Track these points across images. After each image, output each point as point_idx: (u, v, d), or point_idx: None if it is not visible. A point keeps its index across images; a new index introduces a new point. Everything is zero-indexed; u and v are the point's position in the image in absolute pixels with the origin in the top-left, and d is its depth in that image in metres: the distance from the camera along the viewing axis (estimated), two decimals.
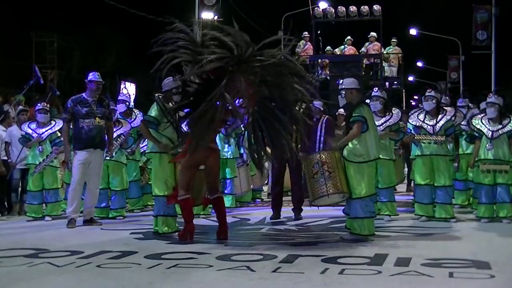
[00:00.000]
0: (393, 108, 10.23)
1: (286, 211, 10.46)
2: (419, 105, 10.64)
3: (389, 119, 9.92)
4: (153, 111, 8.68)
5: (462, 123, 10.42)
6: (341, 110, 14.18)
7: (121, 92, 20.43)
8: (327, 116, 13.54)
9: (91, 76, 9.91)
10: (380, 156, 9.20)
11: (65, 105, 10.59)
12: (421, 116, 9.76)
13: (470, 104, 11.29)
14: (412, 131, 9.86)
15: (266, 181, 13.75)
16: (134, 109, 12.07)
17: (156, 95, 8.82)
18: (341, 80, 8.54)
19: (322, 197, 7.91)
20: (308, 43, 21.99)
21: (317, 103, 13.38)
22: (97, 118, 9.78)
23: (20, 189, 11.65)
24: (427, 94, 9.72)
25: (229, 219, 9.77)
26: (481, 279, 5.84)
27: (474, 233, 8.69)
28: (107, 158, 10.28)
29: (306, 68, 21.68)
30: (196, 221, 9.99)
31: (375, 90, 10.20)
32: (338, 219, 9.42)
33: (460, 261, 6.60)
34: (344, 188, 7.85)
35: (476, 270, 6.17)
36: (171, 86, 8.68)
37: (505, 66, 36.15)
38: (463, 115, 10.48)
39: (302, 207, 10.24)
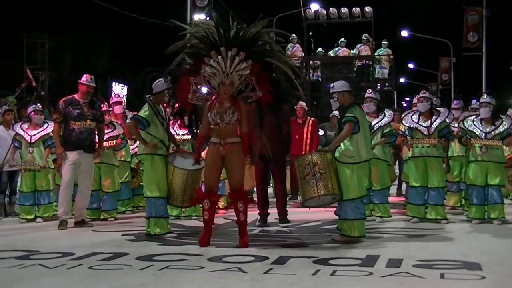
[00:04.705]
0: (386, 110, 10.28)
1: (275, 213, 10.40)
2: (412, 106, 10.67)
3: (381, 119, 9.96)
4: (144, 112, 8.68)
5: (453, 124, 10.42)
6: (336, 112, 14.24)
7: (113, 93, 20.45)
8: (312, 118, 13.61)
9: (83, 79, 9.87)
10: (373, 156, 9.25)
11: (56, 106, 10.56)
12: (415, 117, 9.78)
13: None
14: (406, 133, 9.90)
15: None
16: (126, 111, 12.08)
17: (147, 96, 8.82)
18: (332, 84, 8.57)
19: (312, 198, 7.89)
20: (297, 45, 21.98)
21: (301, 103, 13.46)
22: (88, 121, 9.75)
23: (8, 191, 11.60)
24: (421, 95, 9.74)
25: (221, 221, 9.81)
26: (472, 280, 5.86)
27: (465, 235, 8.71)
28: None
29: (296, 71, 21.76)
30: (187, 222, 10.05)
31: (369, 92, 10.23)
32: (329, 220, 9.42)
33: (451, 262, 6.62)
34: (335, 189, 7.84)
35: (467, 271, 6.19)
36: (163, 88, 8.69)
37: (496, 68, 36.32)
38: (453, 116, 10.49)
39: (294, 208, 10.18)
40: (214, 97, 7.88)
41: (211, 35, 7.84)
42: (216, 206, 8.47)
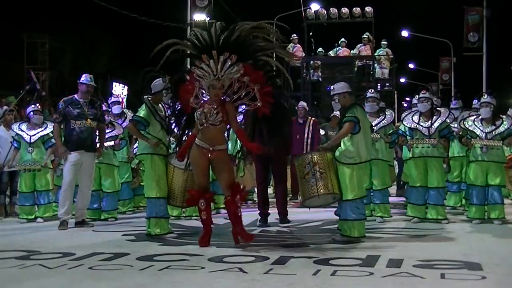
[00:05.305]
0: (386, 109, 10.27)
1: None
2: (412, 106, 10.66)
3: (383, 119, 9.95)
4: (142, 112, 8.67)
5: (453, 124, 10.43)
6: (337, 113, 14.25)
7: (113, 93, 20.47)
8: (313, 118, 13.61)
9: (83, 78, 9.88)
10: (374, 157, 9.25)
11: (56, 106, 10.56)
12: (415, 118, 9.77)
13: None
14: (406, 133, 9.89)
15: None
16: (124, 110, 12.08)
17: (145, 96, 8.82)
18: (332, 86, 8.56)
19: (312, 197, 7.89)
20: (297, 45, 21.98)
21: (302, 103, 13.47)
22: (88, 120, 9.75)
23: (9, 191, 11.60)
24: (421, 95, 9.72)
25: (221, 221, 9.80)
26: (472, 280, 5.86)
27: (466, 235, 8.70)
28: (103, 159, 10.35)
29: (297, 70, 21.82)
30: (188, 222, 10.05)
31: (371, 92, 10.21)
32: (330, 220, 9.41)
33: (451, 262, 6.62)
34: (335, 189, 7.84)
35: (468, 271, 6.19)
36: (161, 88, 8.68)
37: (496, 68, 36.33)
38: (454, 116, 10.50)
39: (294, 208, 10.18)
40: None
41: (203, 38, 7.81)
42: (214, 207, 8.48)
